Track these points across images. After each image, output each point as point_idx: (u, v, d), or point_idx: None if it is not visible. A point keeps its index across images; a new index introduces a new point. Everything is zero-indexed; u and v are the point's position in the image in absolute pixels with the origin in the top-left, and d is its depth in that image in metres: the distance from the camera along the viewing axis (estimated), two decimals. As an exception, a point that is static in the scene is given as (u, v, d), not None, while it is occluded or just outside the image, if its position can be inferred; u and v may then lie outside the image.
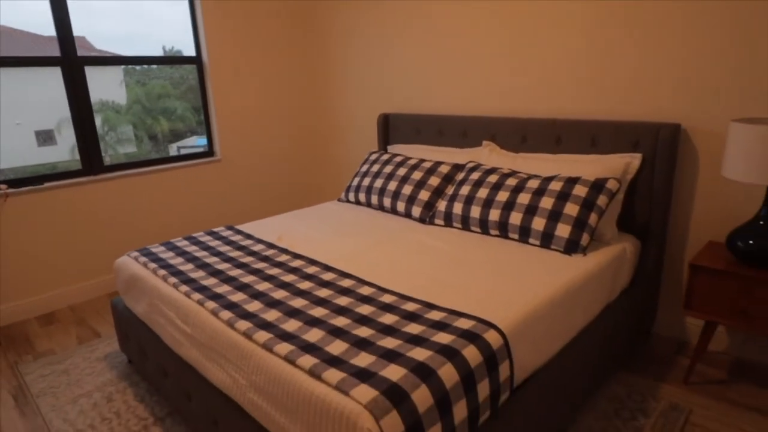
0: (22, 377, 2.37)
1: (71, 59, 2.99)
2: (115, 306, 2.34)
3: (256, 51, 3.78)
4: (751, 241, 1.93)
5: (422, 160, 2.85)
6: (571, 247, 2.08)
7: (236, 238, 2.43)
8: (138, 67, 4.96)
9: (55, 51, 2.96)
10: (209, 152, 3.75)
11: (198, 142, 4.02)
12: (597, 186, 2.17)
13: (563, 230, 2.10)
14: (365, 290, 1.77)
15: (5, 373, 2.43)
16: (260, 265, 2.05)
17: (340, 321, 1.55)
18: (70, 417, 2.07)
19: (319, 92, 4.09)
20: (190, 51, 3.59)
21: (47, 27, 2.96)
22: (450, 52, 3.08)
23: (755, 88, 2.05)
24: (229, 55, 3.63)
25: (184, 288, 1.86)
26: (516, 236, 2.25)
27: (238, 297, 1.76)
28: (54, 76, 3.09)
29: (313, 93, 4.14)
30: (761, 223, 1.93)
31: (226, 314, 1.63)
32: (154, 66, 4.48)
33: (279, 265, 2.05)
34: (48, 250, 3.02)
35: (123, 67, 4.22)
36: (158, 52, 3.86)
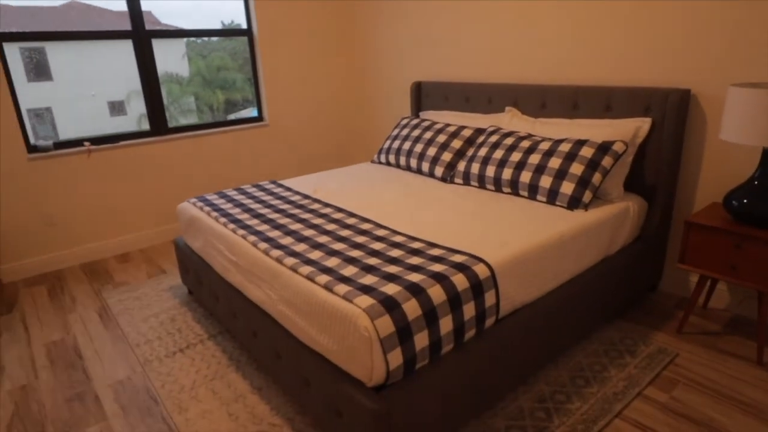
0: (104, 300, 2.88)
1: (140, 32, 3.40)
2: (177, 244, 2.77)
3: (300, 23, 4.08)
4: (745, 200, 2.05)
5: (447, 125, 3.07)
6: (573, 203, 2.27)
7: (278, 190, 2.79)
8: (199, 41, 5.34)
9: (124, 25, 3.36)
10: (259, 118, 4.13)
11: (254, 113, 4.38)
12: (603, 148, 2.33)
13: (567, 187, 2.29)
14: (380, 232, 2.07)
15: (91, 296, 2.94)
16: (295, 211, 2.39)
17: (355, 253, 1.86)
18: (142, 330, 2.53)
19: (357, 62, 4.35)
20: (245, 24, 3.94)
21: (117, 2, 3.35)
22: (477, 23, 3.25)
23: (760, 54, 2.13)
24: (276, 27, 3.95)
25: (232, 226, 2.23)
26: (525, 193, 2.45)
27: (274, 234, 2.10)
28: (124, 50, 3.50)
29: (352, 63, 4.41)
30: (756, 183, 2.05)
31: (264, 245, 1.98)
32: (215, 39, 4.86)
33: (311, 211, 2.38)
34: (122, 200, 3.52)
35: (185, 40, 4.62)
36: (217, 26, 4.23)
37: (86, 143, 3.30)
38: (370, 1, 4.04)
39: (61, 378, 2.20)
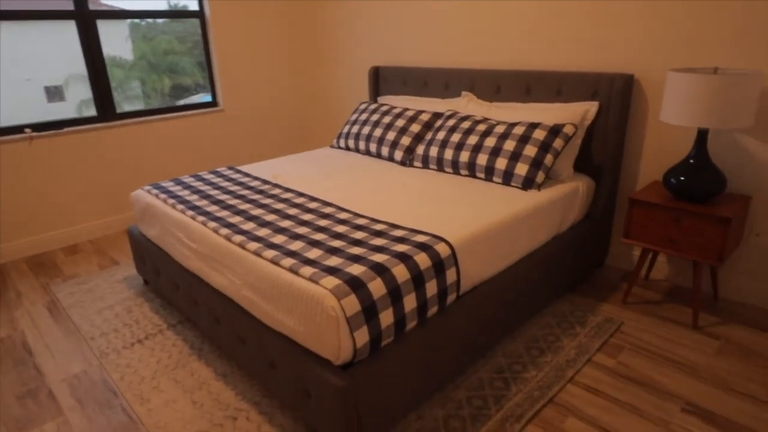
0: (53, 294, 2.76)
1: (84, 13, 3.23)
2: (131, 233, 2.69)
3: (255, 5, 3.98)
4: (682, 178, 2.20)
5: (406, 109, 3.11)
6: (527, 183, 2.37)
7: (236, 176, 2.75)
8: (143, 23, 5.11)
9: (65, 5, 3.18)
10: (213, 103, 4.02)
11: (205, 98, 4.25)
12: (554, 130, 2.43)
13: (521, 169, 2.38)
14: (343, 215, 2.09)
15: (38, 291, 2.81)
16: (256, 197, 2.37)
17: (318, 236, 1.87)
18: (96, 323, 2.45)
19: (315, 46, 4.31)
20: (193, 5, 3.80)
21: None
22: (435, 9, 3.29)
23: (697, 41, 2.28)
24: (229, 9, 3.85)
25: (191, 213, 2.19)
26: (482, 175, 2.53)
27: (235, 219, 2.08)
28: (63, 31, 3.31)
29: (309, 46, 4.36)
30: (691, 162, 2.20)
31: (225, 231, 1.96)
32: (160, 21, 4.66)
33: (272, 196, 2.36)
34: (69, 189, 3.36)
35: (128, 22, 4.41)
36: (163, 7, 4.06)
37: (27, 130, 3.12)
38: (324, -16, 4.00)
39: (10, 376, 2.11)
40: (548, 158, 2.39)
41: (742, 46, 2.17)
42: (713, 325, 2.25)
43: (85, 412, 1.88)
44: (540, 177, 2.37)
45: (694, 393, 1.84)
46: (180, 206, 2.27)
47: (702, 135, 2.18)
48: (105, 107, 3.44)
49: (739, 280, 2.42)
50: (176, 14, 4.06)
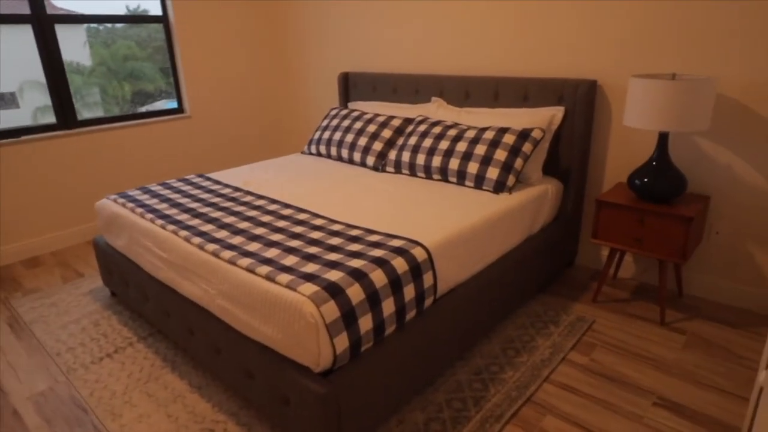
0: (14, 309, 2.63)
1: (41, 17, 3.12)
2: (97, 243, 2.60)
3: (221, 10, 3.93)
4: (645, 179, 2.29)
5: (377, 115, 3.12)
6: (499, 187, 2.41)
7: (206, 183, 2.69)
8: (101, 27, 4.95)
9: (19, 8, 3.05)
10: (179, 109, 3.94)
11: (169, 105, 4.15)
12: (523, 135, 2.49)
13: (492, 173, 2.43)
14: (317, 221, 2.08)
15: (-3, 307, 2.68)
16: (227, 204, 2.33)
17: (294, 243, 1.86)
18: (61, 338, 2.36)
19: (284, 51, 4.28)
20: (155, 10, 3.72)
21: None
22: (403, 15, 3.32)
23: (657, 48, 2.38)
24: (195, 13, 3.78)
25: (160, 222, 2.13)
26: (455, 179, 2.56)
27: (207, 227, 2.04)
28: (15, 36, 3.17)
29: (278, 52, 4.33)
30: (654, 164, 2.29)
31: (197, 239, 1.92)
32: (119, 26, 4.53)
33: (244, 204, 2.33)
34: (27, 200, 3.22)
35: (85, 27, 4.26)
36: (121, 12, 3.95)
37: (-19, 138, 2.98)
38: (292, -10, 3.98)
39: (-31, 396, 2.01)
40: (518, 162, 2.44)
41: (699, 53, 2.27)
42: (679, 321, 2.34)
43: (54, 431, 1.80)
44: (511, 180, 2.42)
45: (664, 387, 1.90)
46: (149, 215, 2.21)
47: (663, 138, 2.27)
48: (65, 114, 3.32)
49: (701, 277, 2.52)
50: (139, 19, 3.97)
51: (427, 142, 2.69)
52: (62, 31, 3.26)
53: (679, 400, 1.83)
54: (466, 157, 2.51)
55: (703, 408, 1.79)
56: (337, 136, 3.15)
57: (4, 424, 1.86)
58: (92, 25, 4.26)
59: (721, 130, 2.31)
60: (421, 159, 2.67)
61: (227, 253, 1.78)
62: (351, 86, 3.67)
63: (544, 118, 2.59)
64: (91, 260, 3.21)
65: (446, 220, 2.06)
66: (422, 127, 2.81)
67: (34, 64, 3.19)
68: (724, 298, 2.47)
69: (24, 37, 3.13)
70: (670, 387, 1.90)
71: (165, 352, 2.22)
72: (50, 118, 3.31)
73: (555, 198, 2.61)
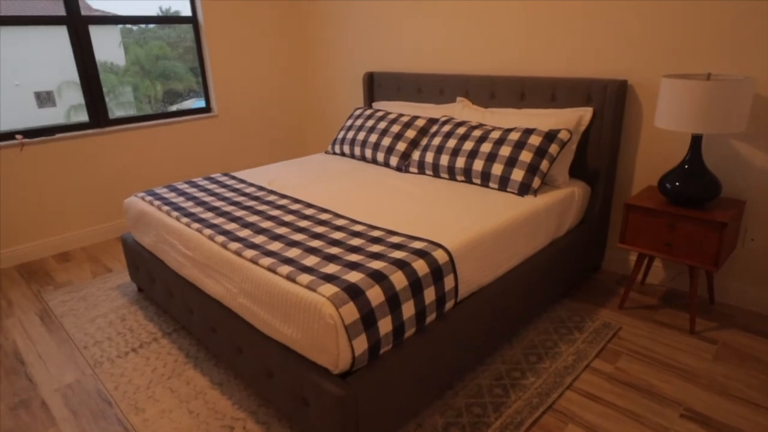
0: (45, 302, 2.72)
1: (76, 18, 3.20)
2: (124, 240, 2.66)
3: (248, 11, 3.97)
4: (677, 183, 2.21)
5: (401, 115, 3.11)
6: (524, 189, 2.37)
7: (231, 182, 2.73)
8: (135, 28, 5.06)
9: (56, 10, 3.14)
10: (207, 109, 4.00)
11: (196, 104, 4.21)
12: (550, 136, 2.44)
13: (518, 174, 2.39)
14: (339, 222, 2.08)
15: (30, 299, 2.77)
16: (251, 203, 2.35)
17: (315, 243, 1.86)
18: (89, 331, 2.42)
19: (309, 52, 4.30)
20: (185, 11, 3.79)
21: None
22: (428, 15, 3.29)
23: (690, 47, 2.29)
24: (223, 15, 3.83)
25: (186, 220, 2.17)
26: (478, 181, 2.53)
27: (230, 226, 2.07)
28: (54, 37, 3.26)
29: (303, 52, 4.35)
30: (686, 167, 2.21)
31: (221, 238, 1.94)
32: (152, 26, 4.63)
33: (267, 203, 2.35)
34: (60, 196, 3.32)
35: (119, 28, 4.37)
36: (154, 13, 4.04)
37: (18, 136, 3.08)
38: (318, -10, 4.00)
39: (2, 386, 2.08)
40: (544, 164, 2.40)
41: (735, 53, 2.19)
42: (710, 330, 2.26)
43: (79, 422, 1.85)
44: (536, 183, 2.37)
45: (693, 398, 1.84)
46: (175, 213, 2.25)
47: (696, 140, 2.19)
48: (97, 113, 3.41)
49: (734, 284, 2.43)
50: (169, 20, 4.05)
51: (452, 143, 2.66)
52: (97, 32, 3.34)
53: (707, 413, 1.77)
54: (491, 158, 2.48)
55: (732, 421, 1.72)
56: (361, 136, 3.15)
57: (33, 415, 1.91)
58: (126, 25, 4.37)
59: (758, 132, 2.22)
60: (444, 160, 2.65)
61: (249, 252, 1.80)
62: (376, 86, 3.66)
63: (571, 118, 2.53)
64: (120, 256, 3.29)
65: (469, 222, 2.04)
66: (446, 128, 2.78)
67: (72, 64, 3.28)
68: (758, 307, 2.38)
69: (60, 38, 3.22)
70: (698, 398, 1.84)
71: (188, 348, 2.26)
72: (83, 116, 3.41)
73: (582, 201, 2.55)
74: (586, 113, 2.56)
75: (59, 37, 3.23)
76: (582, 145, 2.63)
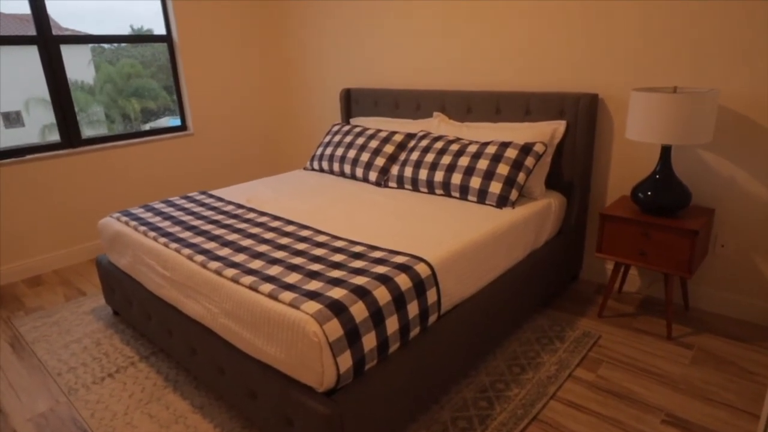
0: (16, 329, 2.62)
1: (47, 38, 3.15)
2: (99, 262, 2.60)
3: (225, 29, 3.98)
4: (649, 193, 2.28)
5: (379, 130, 3.13)
6: (502, 201, 2.41)
7: (209, 200, 2.70)
8: (106, 47, 5.00)
9: (24, 30, 3.09)
10: (182, 127, 3.97)
11: (171, 122, 4.16)
12: (525, 149, 2.49)
13: (495, 187, 2.42)
14: (321, 238, 2.07)
15: (0, 326, 2.67)
16: (230, 221, 2.33)
17: (297, 260, 1.85)
18: (63, 358, 2.34)
19: (285, 68, 4.32)
20: (159, 29, 3.77)
21: (16, 5, 3.07)
22: (404, 32, 3.35)
23: (657, 62, 2.38)
24: (198, 33, 3.83)
25: (163, 240, 2.13)
26: (457, 194, 2.56)
27: (210, 245, 2.04)
28: (20, 56, 3.20)
29: (280, 69, 4.36)
30: (657, 177, 2.28)
31: (200, 258, 1.91)
32: (123, 45, 4.58)
33: (247, 221, 2.33)
34: (31, 218, 3.23)
35: (90, 46, 4.31)
36: (125, 31, 4.00)
37: (-14, 158, 3.00)
38: (296, 9, 4.03)
39: (-30, 418, 1.99)
40: (521, 176, 2.44)
41: (700, 66, 2.28)
42: (686, 335, 2.31)
43: (53, 454, 1.78)
44: (514, 195, 2.41)
45: (673, 404, 1.87)
46: (152, 233, 2.21)
47: (666, 151, 2.26)
48: (69, 133, 3.34)
49: (707, 290, 2.50)
50: (143, 38, 4.02)
51: (429, 157, 2.69)
52: (67, 50, 3.29)
53: (687, 417, 1.80)
54: (469, 171, 2.51)
55: (712, 425, 1.76)
56: (340, 151, 3.16)
57: (4, 446, 1.84)
58: (97, 44, 4.32)
59: (724, 142, 2.30)
60: (423, 174, 2.67)
61: (230, 271, 1.78)
62: (353, 102, 3.69)
63: (545, 132, 2.59)
64: (94, 279, 3.20)
65: (449, 236, 2.05)
66: (424, 142, 2.82)
67: (39, 81, 3.22)
68: (731, 312, 2.45)
69: (28, 55, 3.16)
70: (678, 404, 1.87)
71: (167, 371, 2.20)
72: (56, 136, 3.33)
73: (558, 212, 2.60)
74: (559, 126, 2.62)
75: (25, 55, 3.17)
76: (556, 157, 2.69)
